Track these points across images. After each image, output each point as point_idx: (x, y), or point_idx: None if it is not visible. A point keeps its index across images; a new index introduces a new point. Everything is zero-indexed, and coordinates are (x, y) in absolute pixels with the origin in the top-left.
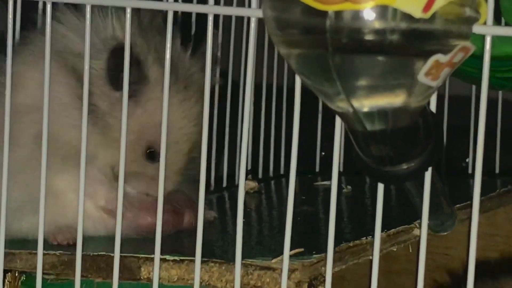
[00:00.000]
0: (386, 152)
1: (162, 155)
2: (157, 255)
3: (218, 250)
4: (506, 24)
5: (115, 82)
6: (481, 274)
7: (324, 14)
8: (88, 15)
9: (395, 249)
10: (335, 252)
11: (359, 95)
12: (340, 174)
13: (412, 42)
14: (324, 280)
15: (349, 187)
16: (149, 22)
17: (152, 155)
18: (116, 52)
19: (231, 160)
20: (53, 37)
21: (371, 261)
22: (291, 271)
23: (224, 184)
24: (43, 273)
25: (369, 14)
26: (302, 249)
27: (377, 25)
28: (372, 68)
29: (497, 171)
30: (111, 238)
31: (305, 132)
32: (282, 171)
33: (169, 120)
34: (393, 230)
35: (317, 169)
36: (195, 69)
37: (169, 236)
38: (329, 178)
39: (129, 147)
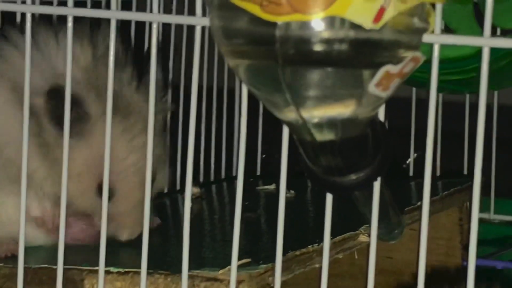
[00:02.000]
0: (335, 162)
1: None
2: (101, 267)
3: (162, 261)
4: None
5: (57, 120)
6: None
7: (273, 25)
8: (69, 24)
9: (341, 257)
10: (283, 263)
11: (309, 106)
12: None
13: (362, 52)
14: None
15: (292, 191)
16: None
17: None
18: (53, 94)
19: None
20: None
21: (317, 269)
22: (238, 282)
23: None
24: None
25: (318, 25)
26: (249, 260)
27: (327, 35)
28: (322, 79)
29: (438, 173)
30: (53, 250)
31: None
32: (223, 175)
33: (113, 153)
34: (338, 237)
35: (258, 172)
36: (140, 97)
37: (111, 246)
38: (271, 181)
39: (79, 183)
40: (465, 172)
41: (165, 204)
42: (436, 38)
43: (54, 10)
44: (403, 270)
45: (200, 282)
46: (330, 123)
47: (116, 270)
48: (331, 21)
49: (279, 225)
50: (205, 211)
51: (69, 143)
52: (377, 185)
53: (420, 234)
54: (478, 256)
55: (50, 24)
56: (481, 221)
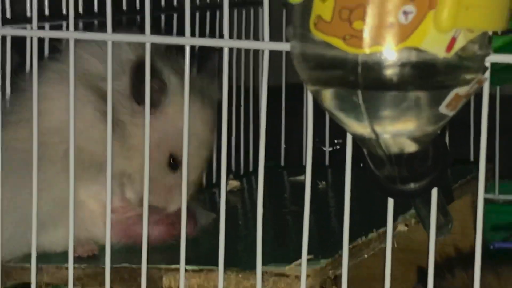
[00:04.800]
0: (400, 172)
1: (185, 160)
2: (182, 266)
3: (231, 257)
4: None
5: (137, 95)
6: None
7: (355, 57)
8: (109, 51)
9: (384, 246)
10: (338, 256)
11: (383, 124)
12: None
13: (435, 78)
14: (332, 283)
15: (323, 182)
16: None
17: (174, 163)
18: (137, 67)
19: None
20: (77, 61)
21: (365, 259)
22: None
23: (214, 181)
24: None
25: (396, 55)
26: (311, 256)
27: (403, 63)
28: (399, 101)
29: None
30: (128, 249)
31: (270, 126)
32: (251, 167)
33: (190, 127)
34: (382, 229)
35: (282, 163)
36: (205, 83)
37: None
38: (296, 171)
39: (152, 155)
40: (472, 159)
41: (204, 199)
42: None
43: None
44: (422, 249)
45: (269, 277)
46: (400, 139)
47: (191, 268)
48: (407, 51)
49: (345, 216)
50: (247, 205)
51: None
52: (435, 191)
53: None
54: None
55: None
56: (487, 201)
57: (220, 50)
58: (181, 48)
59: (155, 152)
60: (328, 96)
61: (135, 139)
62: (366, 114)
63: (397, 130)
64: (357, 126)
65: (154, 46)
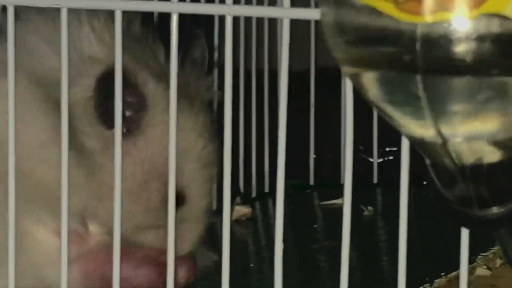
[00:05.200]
0: (477, 191)
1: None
2: None
3: None
4: None
5: (106, 118)
6: None
7: (413, 27)
8: (64, 24)
9: None
10: None
11: (452, 122)
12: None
13: None
14: None
15: (370, 208)
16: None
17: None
18: (104, 81)
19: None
20: (21, 48)
21: None
22: None
23: (214, 207)
24: None
25: (472, 25)
26: None
27: (483, 38)
28: (475, 91)
29: None
30: None
31: (293, 130)
32: (267, 188)
33: (182, 145)
34: (454, 273)
35: (311, 181)
36: (191, 79)
37: None
38: (330, 193)
39: (139, 196)
40: None
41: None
42: None
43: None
44: None
45: None
46: (478, 144)
47: None
48: (486, 19)
49: (400, 260)
50: (262, 240)
51: (125, 143)
52: None
53: None
54: None
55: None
56: None
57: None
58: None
59: (143, 191)
60: (373, 83)
61: (108, 175)
62: (429, 109)
63: (473, 131)
64: (416, 126)
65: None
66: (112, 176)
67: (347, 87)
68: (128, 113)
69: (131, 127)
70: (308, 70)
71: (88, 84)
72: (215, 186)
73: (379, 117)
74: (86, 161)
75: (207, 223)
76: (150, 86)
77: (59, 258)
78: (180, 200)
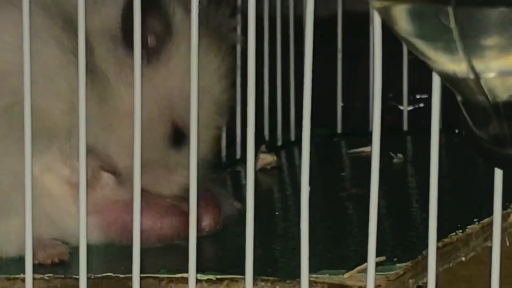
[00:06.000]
0: (511, 130)
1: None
2: (192, 275)
3: (264, 262)
4: None
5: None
6: None
7: None
8: None
9: (490, 245)
10: (422, 259)
11: (485, 56)
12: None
13: None
14: None
15: (399, 155)
16: None
17: (179, 138)
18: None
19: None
20: None
21: (463, 263)
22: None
23: (238, 155)
24: None
25: None
26: (383, 258)
27: None
28: (505, 22)
29: None
30: (114, 252)
31: (320, 78)
32: (293, 137)
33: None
34: (487, 219)
35: (339, 129)
36: (220, 18)
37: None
38: (359, 141)
39: (147, 129)
40: None
41: (226, 179)
42: None
43: None
44: None
45: None
46: (511, 79)
47: (205, 277)
48: None
49: (431, 207)
50: (288, 189)
51: (142, 71)
52: None
53: None
54: None
55: None
56: None
57: None
58: None
59: (154, 122)
60: (402, 16)
61: (121, 102)
62: (461, 42)
63: (507, 66)
64: (447, 61)
65: None
66: (125, 103)
67: (376, 32)
68: (152, 41)
69: (152, 57)
70: (335, 15)
71: (109, 9)
72: (224, 135)
73: (409, 64)
74: (98, 87)
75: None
76: (178, 17)
77: (74, 207)
78: (182, 139)
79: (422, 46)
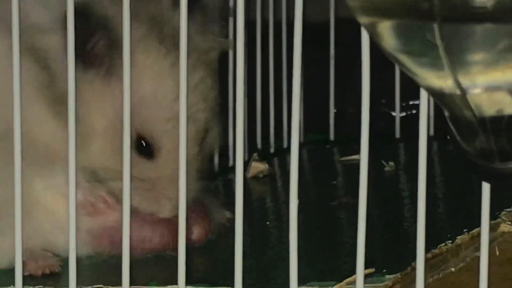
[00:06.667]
0: (498, 144)
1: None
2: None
3: (254, 273)
4: None
5: (83, 57)
6: None
7: None
8: None
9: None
10: (411, 270)
11: (471, 72)
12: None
13: None
14: None
15: (391, 163)
16: None
17: (144, 149)
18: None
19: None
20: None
21: (453, 274)
22: None
23: (231, 163)
24: None
25: None
26: (372, 270)
27: None
28: (496, 39)
29: None
30: (101, 264)
31: (313, 84)
32: (285, 144)
33: (157, 95)
34: (477, 229)
35: (331, 136)
36: (192, 30)
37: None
38: (350, 148)
39: (111, 141)
40: None
41: (218, 188)
42: None
43: None
44: None
45: None
46: (498, 94)
47: None
48: None
49: (419, 215)
50: (280, 197)
51: (97, 85)
52: None
53: None
54: None
55: None
56: None
57: None
58: None
59: (115, 134)
60: (388, 32)
61: (86, 126)
62: (447, 58)
63: (493, 81)
64: (434, 77)
65: None
66: (93, 117)
67: (364, 39)
68: (100, 53)
69: (103, 66)
70: (328, 21)
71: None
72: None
73: (401, 70)
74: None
75: (191, 188)
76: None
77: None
78: (152, 151)
79: (408, 62)
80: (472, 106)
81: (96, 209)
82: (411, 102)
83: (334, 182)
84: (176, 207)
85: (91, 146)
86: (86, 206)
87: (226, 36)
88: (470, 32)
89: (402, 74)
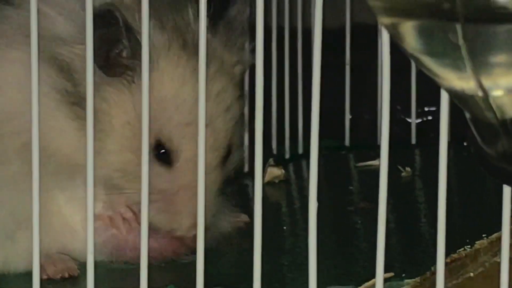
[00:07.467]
0: None
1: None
2: None
3: (272, 277)
4: None
5: (102, 64)
6: None
7: None
8: None
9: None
10: (430, 275)
11: (494, 74)
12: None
13: None
14: None
15: (408, 168)
16: None
17: (164, 156)
18: (100, 21)
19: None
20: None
21: (472, 279)
22: None
23: (246, 169)
24: None
25: None
26: (392, 274)
27: None
28: None
29: None
30: (117, 269)
31: (328, 90)
32: (301, 149)
33: (178, 100)
34: (496, 234)
35: (347, 142)
36: (214, 38)
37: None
38: (367, 154)
39: (132, 146)
40: None
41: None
42: None
43: None
44: None
45: None
46: None
47: None
48: None
49: (439, 221)
50: (296, 203)
51: (120, 94)
52: None
53: None
54: None
55: None
56: None
57: None
58: None
59: (136, 139)
60: (410, 32)
61: (105, 123)
62: (469, 59)
63: None
64: (455, 78)
65: None
66: (112, 124)
67: (384, 44)
68: (124, 59)
69: (127, 74)
70: (344, 27)
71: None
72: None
73: (417, 76)
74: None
75: (211, 198)
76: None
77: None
78: (171, 158)
79: (430, 63)
80: (494, 108)
81: (114, 225)
82: (426, 109)
83: (351, 187)
84: (195, 226)
85: (112, 153)
86: (104, 220)
87: (253, 50)
88: (492, 33)
89: (418, 80)
